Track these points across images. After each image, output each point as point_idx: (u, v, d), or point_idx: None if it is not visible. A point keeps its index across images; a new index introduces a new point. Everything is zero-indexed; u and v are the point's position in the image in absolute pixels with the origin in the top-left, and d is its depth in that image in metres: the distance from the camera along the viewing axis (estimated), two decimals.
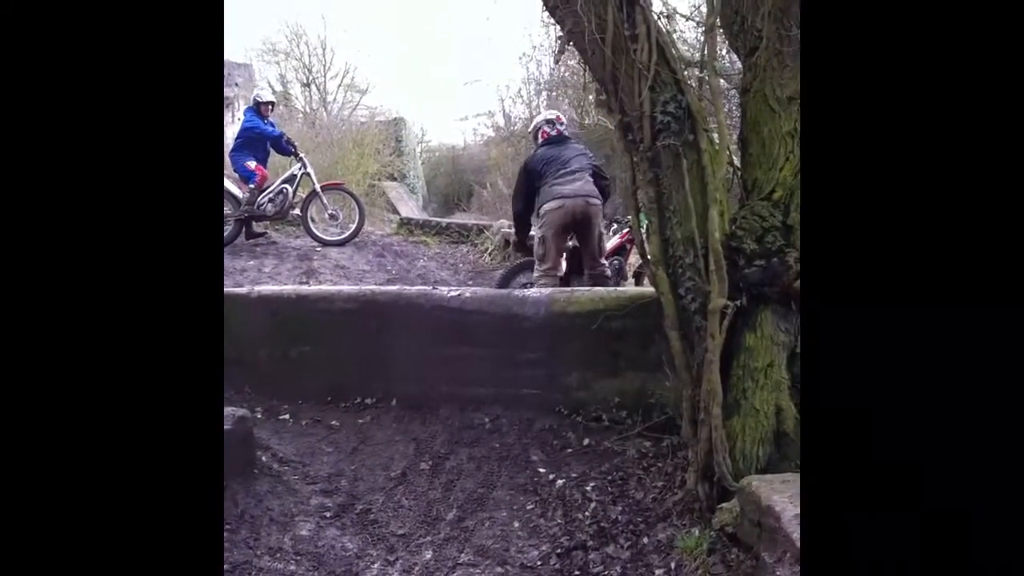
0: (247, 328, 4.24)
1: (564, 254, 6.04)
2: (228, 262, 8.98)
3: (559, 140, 6.16)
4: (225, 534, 2.97)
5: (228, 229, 9.67)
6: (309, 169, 9.79)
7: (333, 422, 4.01)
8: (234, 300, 4.45)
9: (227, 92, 21.53)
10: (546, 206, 5.79)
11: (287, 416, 4.06)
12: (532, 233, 6.24)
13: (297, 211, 10.03)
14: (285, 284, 7.61)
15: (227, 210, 9.67)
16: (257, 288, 4.81)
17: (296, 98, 24.43)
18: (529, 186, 5.97)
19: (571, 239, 6.00)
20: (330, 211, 9.89)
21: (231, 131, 19.86)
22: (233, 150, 10.04)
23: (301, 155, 9.89)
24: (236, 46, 27.16)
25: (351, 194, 10.15)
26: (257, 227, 10.01)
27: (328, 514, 3.23)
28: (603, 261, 6.05)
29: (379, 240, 10.84)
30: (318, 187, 9.74)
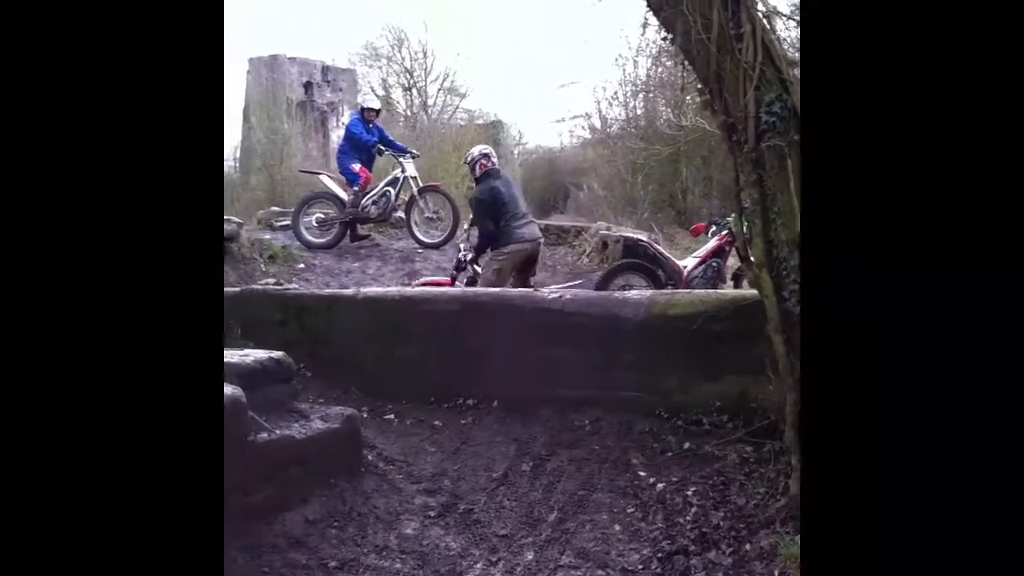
0: (353, 329, 4.35)
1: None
2: (333, 263, 9.21)
3: (496, 173, 7.09)
4: (333, 531, 3.06)
5: (334, 231, 9.90)
6: (412, 172, 9.94)
7: (436, 422, 4.07)
8: (341, 301, 4.57)
9: (331, 97, 21.98)
10: (512, 246, 6.77)
11: (392, 416, 4.14)
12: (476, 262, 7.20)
13: (400, 213, 10.19)
14: (388, 285, 7.74)
15: (332, 212, 9.90)
16: (363, 290, 4.92)
17: (397, 102, 24.81)
18: (494, 212, 6.81)
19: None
20: (428, 214, 10.02)
21: (336, 135, 20.34)
22: (339, 153, 10.29)
23: (411, 151, 10.10)
24: (340, 52, 27.74)
25: (447, 196, 10.25)
26: (361, 229, 10.21)
27: (432, 513, 3.29)
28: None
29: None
30: (415, 190, 9.88)
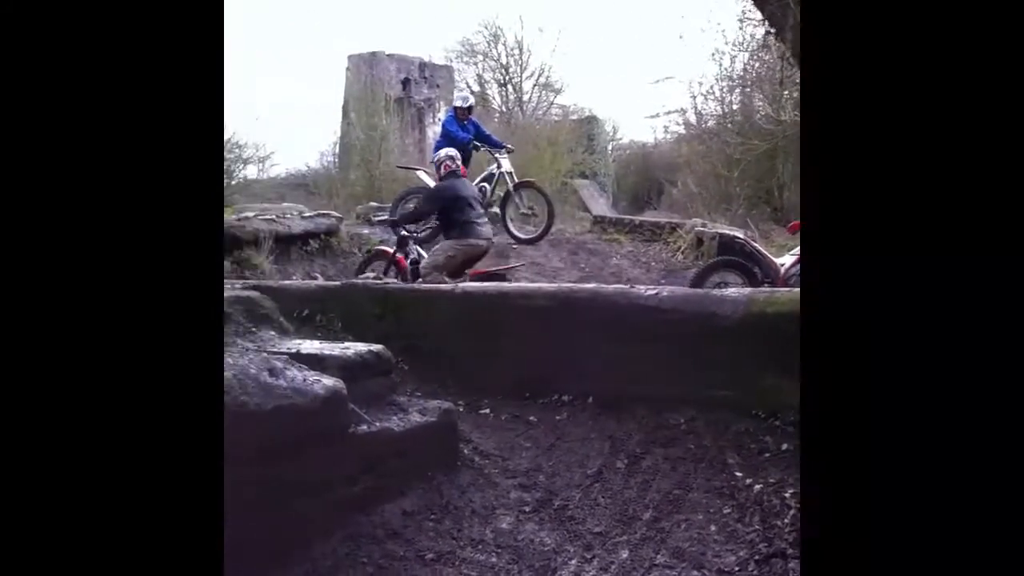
0: (451, 323, 4.40)
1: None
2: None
3: (458, 175, 7.96)
4: (430, 523, 3.11)
5: (430, 227, 10.04)
6: (507, 167, 10.00)
7: (531, 418, 4.09)
8: (439, 296, 4.63)
9: (428, 93, 22.26)
10: (471, 240, 7.53)
11: (487, 410, 4.18)
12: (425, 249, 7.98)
13: (495, 209, 10.27)
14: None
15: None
16: (461, 285, 4.98)
17: (493, 98, 24.94)
18: (443, 205, 7.68)
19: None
20: (523, 209, 10.06)
21: (432, 131, 20.56)
22: (436, 149, 10.44)
23: (507, 145, 10.20)
24: (437, 48, 27.99)
25: (541, 192, 10.29)
26: None
27: (527, 508, 3.31)
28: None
29: (572, 238, 10.94)
30: (511, 185, 9.94)
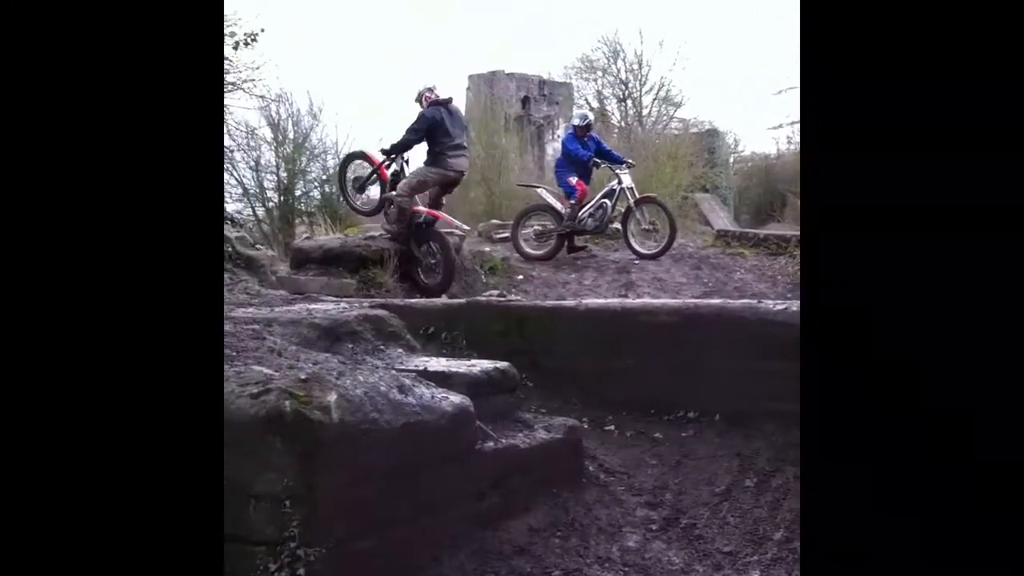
0: (574, 340, 4.40)
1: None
2: (551, 275, 9.35)
3: (445, 103, 8.61)
4: (556, 540, 3.10)
5: (551, 243, 10.10)
6: (628, 183, 9.98)
7: (656, 434, 4.05)
8: (561, 312, 4.63)
9: (547, 110, 22.43)
10: (440, 168, 8.37)
11: (612, 427, 4.15)
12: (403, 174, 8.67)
13: (616, 225, 10.26)
14: (605, 297, 7.78)
15: (550, 225, 10.09)
16: (584, 301, 4.97)
17: (612, 113, 24.93)
18: (427, 129, 8.39)
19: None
20: (645, 225, 10.02)
21: (552, 148, 20.65)
22: (557, 167, 10.56)
23: (627, 160, 10.23)
24: (556, 65, 28.13)
25: (663, 207, 10.24)
26: (578, 241, 10.34)
27: (654, 526, 3.27)
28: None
29: (695, 252, 10.80)
30: (632, 201, 9.90)
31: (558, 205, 10.13)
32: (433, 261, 8.40)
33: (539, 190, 10.81)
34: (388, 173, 8.70)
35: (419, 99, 8.66)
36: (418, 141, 8.52)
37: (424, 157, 8.64)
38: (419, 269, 8.42)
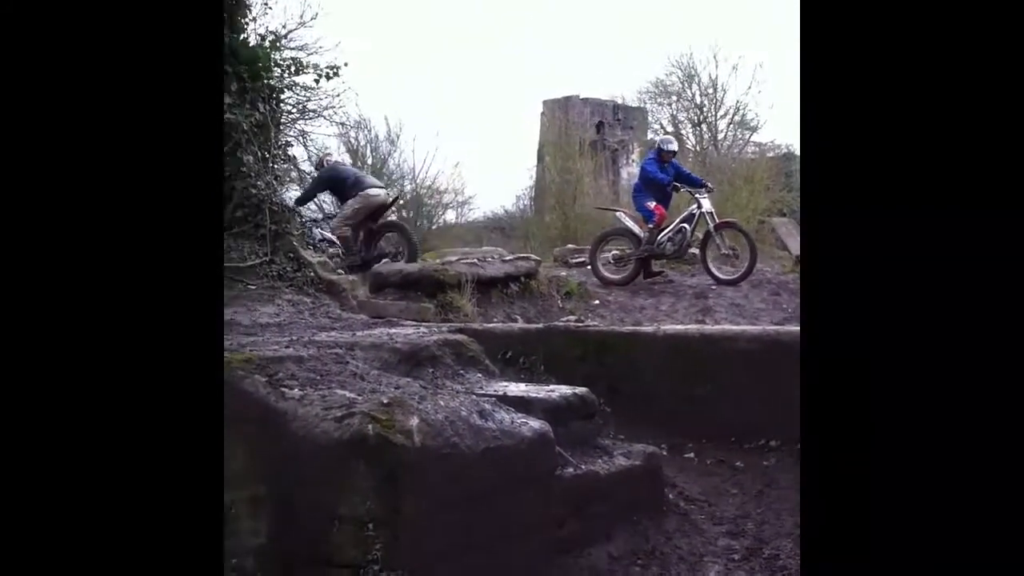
0: (652, 366, 4.37)
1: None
2: (627, 300, 9.31)
3: (331, 163, 11.25)
4: (636, 568, 3.07)
5: (629, 268, 10.06)
6: (707, 208, 9.91)
7: (737, 463, 3.99)
8: (640, 338, 4.61)
9: (621, 135, 22.41)
10: (362, 193, 9.88)
11: (691, 455, 4.11)
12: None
13: (695, 250, 10.18)
14: (682, 322, 7.72)
15: (628, 249, 10.06)
16: (663, 327, 4.94)
17: (687, 137, 24.79)
18: (326, 184, 10.51)
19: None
20: (724, 250, 9.93)
21: (626, 172, 20.61)
22: (635, 191, 10.52)
23: (707, 184, 10.18)
24: (630, 91, 28.09)
25: (743, 232, 10.14)
26: (655, 266, 10.28)
27: (736, 556, 3.21)
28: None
29: (773, 278, 10.66)
30: (711, 226, 9.82)
31: (636, 229, 10.10)
32: (394, 250, 10.01)
33: (617, 214, 10.81)
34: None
35: (319, 164, 11.35)
36: (318, 191, 10.76)
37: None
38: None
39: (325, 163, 11.09)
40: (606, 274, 10.17)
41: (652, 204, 10.04)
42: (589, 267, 10.38)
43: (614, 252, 10.35)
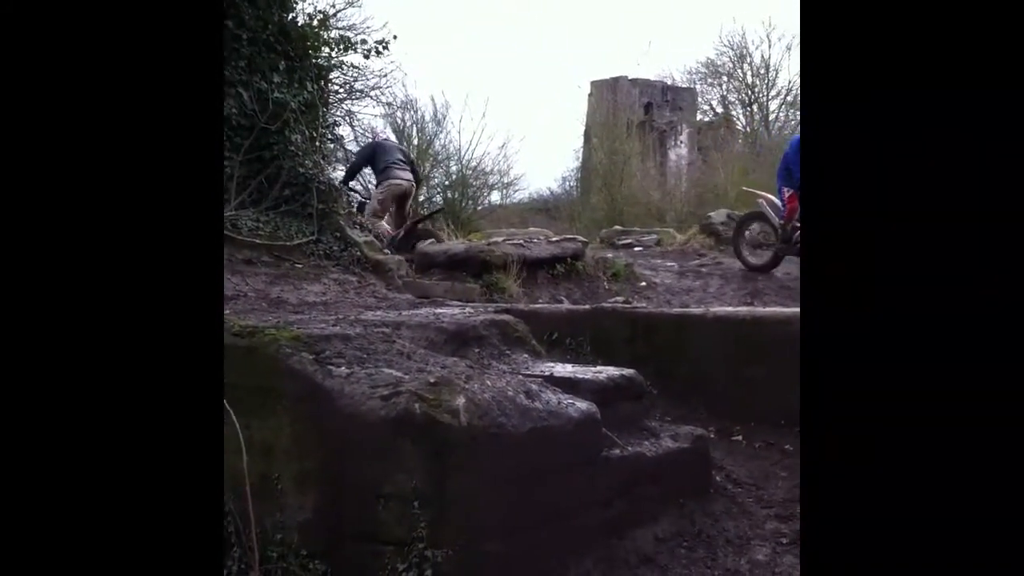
0: (701, 348, 4.33)
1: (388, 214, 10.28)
2: (674, 282, 9.24)
3: (378, 140, 11.45)
4: (682, 551, 3.04)
5: (768, 255, 9.62)
6: None
7: (786, 446, 3.94)
8: (689, 320, 4.56)
9: (670, 116, 22.19)
10: (390, 182, 10.12)
11: (739, 437, 4.06)
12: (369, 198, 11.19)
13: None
14: (731, 304, 7.64)
15: (768, 235, 9.64)
16: (712, 309, 4.88)
17: (737, 118, 24.51)
18: (365, 158, 10.77)
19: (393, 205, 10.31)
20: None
21: (674, 153, 20.43)
22: (779, 172, 9.55)
23: None
24: (680, 71, 27.81)
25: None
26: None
27: (784, 540, 3.17)
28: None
29: None
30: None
31: (773, 217, 9.63)
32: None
33: (759, 200, 10.10)
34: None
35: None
36: (361, 165, 11.08)
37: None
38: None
39: (376, 137, 11.55)
40: (749, 259, 9.72)
41: (788, 193, 9.29)
42: (732, 250, 10.00)
43: (754, 236, 9.85)
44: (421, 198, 18.26)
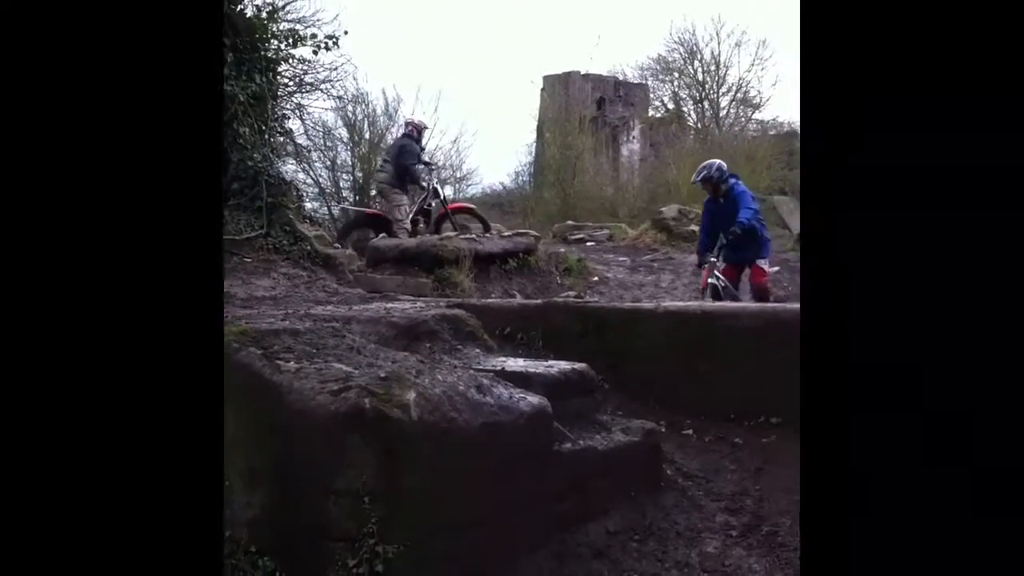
0: (653, 343, 4.34)
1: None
2: (627, 277, 9.27)
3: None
4: (634, 544, 3.06)
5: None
6: None
7: (736, 440, 3.97)
8: (640, 315, 4.57)
9: (623, 111, 22.28)
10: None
11: (690, 431, 4.09)
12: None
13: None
14: (682, 299, 7.69)
15: None
16: (664, 304, 4.91)
17: (688, 115, 24.68)
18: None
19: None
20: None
21: (627, 149, 20.49)
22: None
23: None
24: (632, 66, 27.92)
25: None
26: None
27: (734, 532, 3.20)
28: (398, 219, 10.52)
29: (774, 257, 10.62)
30: None
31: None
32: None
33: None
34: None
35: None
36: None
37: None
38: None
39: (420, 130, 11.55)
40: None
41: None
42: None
43: None
44: (373, 192, 18.20)
